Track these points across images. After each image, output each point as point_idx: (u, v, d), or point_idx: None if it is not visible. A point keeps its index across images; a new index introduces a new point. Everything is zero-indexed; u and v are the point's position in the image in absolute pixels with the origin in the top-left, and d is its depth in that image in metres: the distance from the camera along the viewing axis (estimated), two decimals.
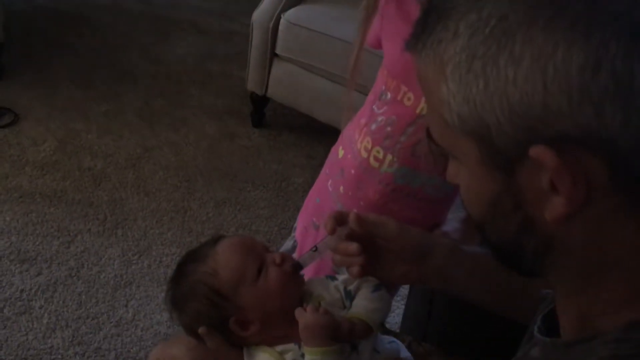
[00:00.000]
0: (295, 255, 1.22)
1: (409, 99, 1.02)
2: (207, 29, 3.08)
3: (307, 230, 1.24)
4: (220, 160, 2.34)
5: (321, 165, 1.25)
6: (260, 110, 2.50)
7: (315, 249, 0.87)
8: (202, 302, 0.83)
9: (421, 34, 0.51)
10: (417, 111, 1.01)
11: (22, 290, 1.76)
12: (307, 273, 0.89)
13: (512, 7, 0.45)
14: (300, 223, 1.27)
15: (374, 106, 1.08)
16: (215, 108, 2.58)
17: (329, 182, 1.18)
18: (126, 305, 1.77)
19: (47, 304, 1.74)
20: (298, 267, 0.86)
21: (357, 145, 1.10)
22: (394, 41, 1.03)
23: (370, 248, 0.85)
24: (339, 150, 1.17)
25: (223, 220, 2.10)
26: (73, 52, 2.75)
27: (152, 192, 2.15)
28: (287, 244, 1.31)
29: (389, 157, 1.06)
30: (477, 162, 0.51)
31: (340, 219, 0.85)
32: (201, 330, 0.82)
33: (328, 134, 2.40)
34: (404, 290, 1.51)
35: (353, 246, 0.83)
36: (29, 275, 1.80)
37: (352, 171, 1.11)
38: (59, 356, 1.62)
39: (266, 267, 0.84)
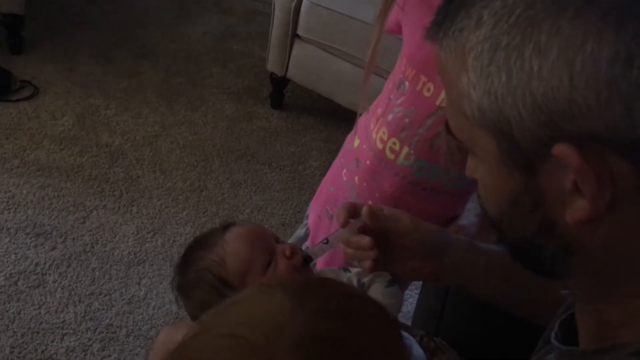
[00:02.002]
0: (307, 244, 1.20)
1: (428, 89, 0.99)
2: (229, 8, 3.05)
3: (321, 219, 1.21)
4: (237, 140, 2.32)
5: (339, 149, 1.22)
6: (280, 91, 2.48)
7: (327, 241, 0.85)
8: (207, 291, 0.81)
9: (442, 22, 0.48)
10: (437, 103, 0.98)
11: (36, 264, 1.77)
12: (318, 265, 0.87)
13: None
14: (312, 211, 1.24)
15: (391, 96, 1.05)
16: (235, 88, 2.56)
17: (344, 172, 1.16)
18: (139, 283, 1.78)
19: (61, 279, 1.75)
20: (308, 259, 0.84)
21: (373, 136, 1.07)
22: (414, 28, 0.99)
23: (383, 242, 0.82)
24: (354, 140, 1.14)
25: (238, 201, 2.09)
26: (94, 27, 2.74)
27: (169, 171, 2.15)
28: (300, 232, 1.29)
29: (406, 149, 1.03)
30: (495, 158, 0.48)
31: (353, 211, 0.83)
32: None
33: (347, 118, 2.36)
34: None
35: (365, 240, 0.81)
36: (43, 249, 1.81)
37: (367, 162, 1.08)
38: (71, 331, 1.63)
39: (275, 259, 0.82)
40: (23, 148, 2.12)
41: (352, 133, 1.17)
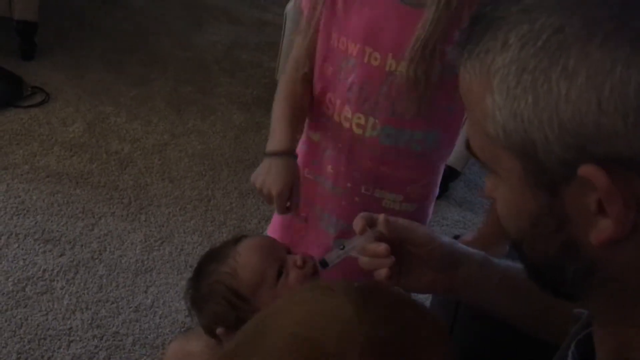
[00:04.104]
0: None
1: (375, 58, 1.02)
2: (239, 18, 3.07)
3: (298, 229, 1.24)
4: (246, 150, 2.33)
5: None
6: None
7: (343, 247, 0.85)
8: (220, 304, 0.82)
9: (467, 43, 0.48)
10: (387, 69, 1.02)
11: (44, 270, 1.77)
12: (332, 272, 0.87)
13: (569, 20, 0.43)
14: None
15: (337, 78, 1.08)
16: (244, 98, 2.57)
17: (305, 171, 1.17)
18: (146, 292, 1.78)
19: (69, 285, 1.75)
20: (324, 264, 0.84)
21: (336, 119, 1.10)
22: (353, 7, 1.03)
23: (398, 253, 0.82)
24: (311, 138, 1.16)
25: (246, 211, 2.10)
26: (106, 35, 2.76)
27: (177, 179, 2.16)
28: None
29: (371, 120, 1.06)
30: (519, 179, 0.48)
31: (370, 221, 0.83)
32: (219, 331, 0.81)
33: None
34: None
35: (382, 247, 0.81)
36: (52, 255, 1.82)
37: (340, 145, 1.12)
38: (77, 338, 1.63)
39: (286, 270, 0.83)
40: (33, 154, 2.13)
41: (301, 140, 1.19)
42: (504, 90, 0.45)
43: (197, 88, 2.58)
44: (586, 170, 0.43)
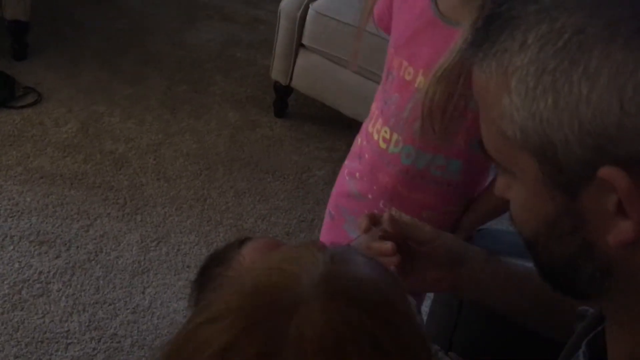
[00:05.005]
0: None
1: (409, 73, 1.01)
2: (232, 15, 3.05)
3: (326, 222, 1.25)
4: (241, 149, 2.32)
5: (342, 158, 1.23)
6: (284, 100, 2.48)
7: (348, 246, 0.85)
8: None
9: (483, 43, 0.48)
10: (416, 85, 1.00)
11: (40, 273, 1.76)
12: None
13: (591, 20, 0.42)
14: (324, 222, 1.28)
15: (385, 88, 1.08)
16: (238, 96, 2.56)
17: (346, 172, 1.19)
18: (143, 292, 1.77)
19: (65, 288, 1.73)
20: None
21: (370, 129, 1.10)
22: (399, 15, 1.02)
23: (404, 251, 0.82)
24: (357, 140, 1.18)
25: (242, 210, 2.09)
26: (99, 33, 2.73)
27: (172, 179, 2.14)
28: None
29: (395, 136, 1.06)
30: (536, 179, 0.48)
31: (374, 219, 0.83)
32: None
33: (351, 128, 2.36)
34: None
35: (387, 245, 0.81)
36: (47, 257, 1.80)
37: (367, 156, 1.12)
38: (75, 340, 1.62)
39: None
40: (27, 155, 2.11)
41: (357, 137, 1.20)
42: (522, 91, 0.45)
43: (191, 87, 2.56)
44: (607, 172, 0.43)
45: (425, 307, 1.45)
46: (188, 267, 1.85)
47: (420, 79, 0.99)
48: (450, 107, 0.94)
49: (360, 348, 0.43)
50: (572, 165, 0.45)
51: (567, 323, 0.73)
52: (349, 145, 1.24)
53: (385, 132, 1.06)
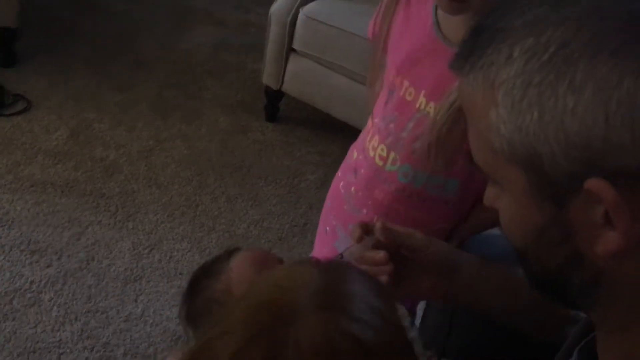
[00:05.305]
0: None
1: (410, 93, 1.00)
2: (222, 19, 3.05)
3: (320, 235, 1.24)
4: (232, 154, 2.31)
5: (335, 162, 1.23)
6: (275, 104, 2.47)
7: (341, 256, 0.85)
8: None
9: (469, 55, 0.48)
10: (417, 106, 1.00)
11: (32, 282, 1.74)
12: None
13: (575, 35, 0.42)
14: (318, 232, 1.26)
15: (385, 106, 1.07)
16: (229, 100, 2.56)
17: (341, 184, 1.18)
18: (136, 300, 1.76)
19: (57, 297, 1.72)
20: None
21: (367, 145, 1.10)
22: (399, 36, 1.01)
23: (396, 260, 0.82)
24: (353, 153, 1.16)
25: (235, 216, 2.08)
26: (88, 39, 2.72)
27: (164, 185, 2.13)
28: None
29: (392, 154, 1.05)
30: (524, 191, 0.48)
31: (366, 229, 0.83)
32: None
33: (343, 131, 2.37)
34: None
35: (380, 254, 0.81)
36: (39, 266, 1.79)
37: (362, 171, 1.11)
38: (68, 350, 1.61)
39: None
40: (17, 163, 2.09)
41: (351, 147, 1.18)
42: (508, 104, 0.45)
43: (182, 92, 2.55)
44: (593, 184, 0.43)
45: (421, 310, 1.46)
46: (181, 274, 1.85)
47: (421, 100, 0.98)
48: (458, 137, 0.93)
49: (352, 354, 0.49)
50: (559, 177, 0.45)
51: (561, 327, 0.74)
52: (341, 149, 1.23)
53: (382, 149, 1.05)
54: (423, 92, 0.98)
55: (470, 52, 0.48)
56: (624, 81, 0.41)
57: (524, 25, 0.44)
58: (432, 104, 0.97)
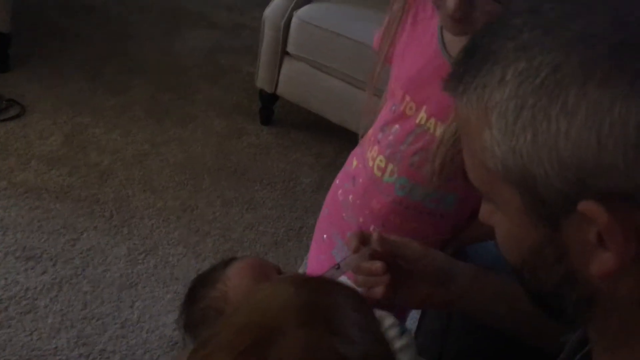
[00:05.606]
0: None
1: (410, 108, 1.01)
2: (216, 22, 3.05)
3: (317, 242, 1.23)
4: (227, 157, 2.31)
5: (330, 165, 1.23)
6: (269, 107, 2.47)
7: (338, 266, 0.85)
8: None
9: (463, 76, 0.48)
10: (417, 121, 1.00)
11: (27, 289, 1.74)
12: None
13: (567, 59, 0.43)
14: (314, 238, 1.26)
15: (387, 118, 1.07)
16: (224, 104, 2.55)
17: (339, 192, 1.18)
18: (132, 306, 1.76)
19: (52, 304, 1.72)
20: None
21: (367, 155, 1.10)
22: (408, 51, 1.02)
23: (393, 269, 0.83)
24: (353, 161, 1.16)
25: (230, 220, 2.08)
26: (82, 43, 2.71)
27: (159, 190, 2.13)
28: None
29: (390, 166, 1.05)
30: (518, 210, 0.48)
31: (363, 239, 0.84)
32: None
33: (338, 134, 2.37)
34: None
35: (377, 265, 0.82)
36: (34, 273, 1.79)
37: (361, 180, 1.11)
38: (64, 357, 1.61)
39: None
40: (11, 169, 2.09)
41: (351, 154, 1.18)
42: (502, 126, 0.45)
43: (177, 95, 2.55)
44: (586, 206, 0.43)
45: (416, 313, 1.46)
46: (177, 279, 1.85)
47: (422, 115, 0.99)
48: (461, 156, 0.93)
49: None
50: (553, 198, 0.45)
51: (557, 335, 0.74)
52: (336, 151, 1.23)
53: (381, 161, 1.06)
54: (425, 107, 0.98)
55: (463, 73, 0.48)
56: (616, 105, 0.41)
57: (515, 49, 0.44)
58: (433, 120, 0.97)
